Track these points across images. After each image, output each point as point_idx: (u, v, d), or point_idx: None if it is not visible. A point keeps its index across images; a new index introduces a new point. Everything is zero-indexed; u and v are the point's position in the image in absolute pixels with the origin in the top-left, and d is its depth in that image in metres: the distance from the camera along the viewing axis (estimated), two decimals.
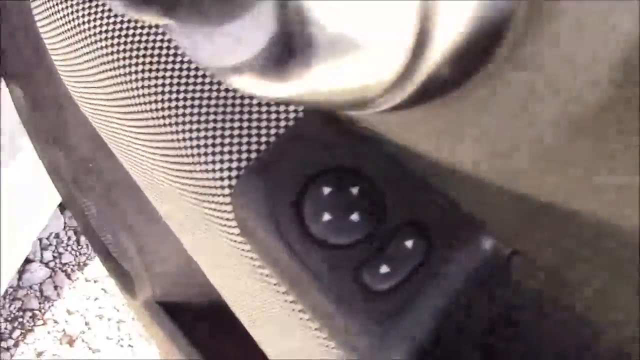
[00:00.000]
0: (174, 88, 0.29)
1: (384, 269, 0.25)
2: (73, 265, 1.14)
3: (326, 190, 0.26)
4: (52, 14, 0.35)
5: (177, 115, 0.29)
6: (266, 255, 0.27)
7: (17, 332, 1.08)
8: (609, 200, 0.12)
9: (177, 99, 0.29)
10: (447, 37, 0.10)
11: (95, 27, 0.32)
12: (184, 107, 0.29)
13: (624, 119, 0.10)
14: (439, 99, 0.12)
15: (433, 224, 0.26)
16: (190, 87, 0.29)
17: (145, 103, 0.30)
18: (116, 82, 0.31)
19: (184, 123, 0.29)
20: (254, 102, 0.28)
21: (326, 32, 0.11)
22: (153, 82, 0.29)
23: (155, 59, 0.30)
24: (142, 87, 0.30)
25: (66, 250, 1.15)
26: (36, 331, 1.09)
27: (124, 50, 0.30)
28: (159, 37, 0.30)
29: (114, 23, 0.31)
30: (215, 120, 0.28)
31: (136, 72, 0.30)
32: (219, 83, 0.29)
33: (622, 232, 0.13)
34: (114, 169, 0.51)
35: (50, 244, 1.16)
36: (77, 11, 0.34)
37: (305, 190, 0.27)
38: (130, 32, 0.31)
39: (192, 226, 0.32)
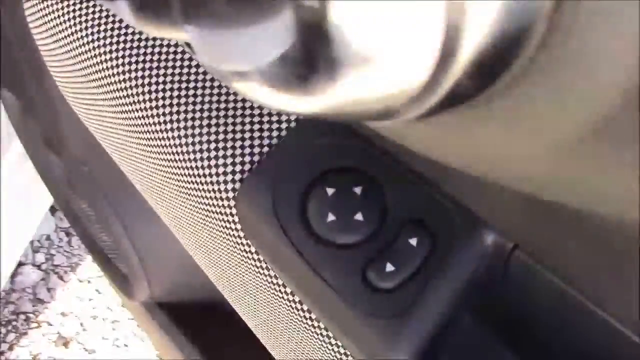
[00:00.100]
0: (175, 93, 0.29)
1: (389, 267, 0.26)
2: (65, 267, 1.14)
3: (330, 191, 0.27)
4: (48, 20, 0.35)
5: (178, 121, 0.29)
6: (272, 256, 0.28)
7: (11, 336, 1.08)
8: (619, 203, 0.13)
9: (178, 104, 0.29)
10: (473, 46, 0.11)
11: (92, 33, 0.32)
12: (186, 112, 0.29)
13: None
14: (459, 107, 0.12)
15: (435, 221, 0.26)
16: (191, 92, 0.29)
17: (145, 109, 0.30)
18: (114, 89, 0.31)
19: (185, 128, 0.29)
20: (256, 105, 0.29)
21: (351, 48, 0.11)
22: (154, 87, 0.30)
23: (155, 64, 0.30)
24: (142, 92, 0.30)
25: (58, 251, 1.15)
26: (31, 334, 1.08)
27: (123, 57, 0.30)
28: (158, 42, 0.31)
29: (112, 29, 0.31)
30: (217, 124, 0.29)
31: (136, 79, 0.30)
32: (220, 87, 0.29)
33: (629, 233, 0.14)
34: (109, 171, 0.51)
35: (42, 246, 1.15)
36: (74, 17, 0.34)
37: (309, 192, 0.27)
38: (129, 37, 0.31)
39: (194, 227, 0.32)
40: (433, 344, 0.26)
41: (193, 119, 0.29)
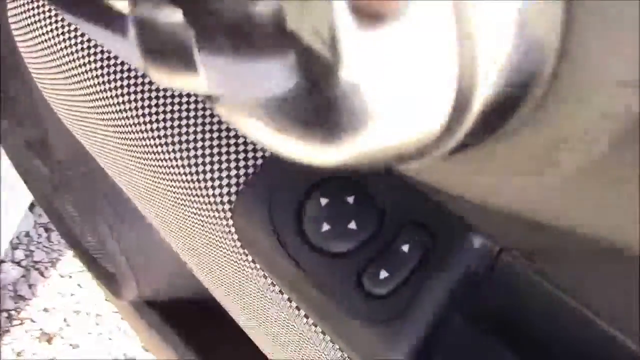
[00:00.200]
0: (168, 107, 0.30)
1: (383, 274, 0.27)
2: (46, 263, 1.14)
3: (323, 201, 0.28)
4: (34, 29, 0.35)
5: (172, 135, 0.30)
6: (269, 265, 0.29)
7: None
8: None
9: (172, 118, 0.30)
10: (484, 98, 0.12)
11: (82, 49, 0.32)
12: (180, 126, 0.30)
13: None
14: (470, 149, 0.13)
15: (426, 227, 0.28)
16: (184, 106, 0.30)
17: (139, 124, 0.31)
18: (107, 104, 0.31)
19: (180, 142, 0.30)
20: None
21: (363, 101, 0.12)
22: (147, 102, 0.30)
23: (148, 78, 0.31)
24: (136, 107, 0.30)
25: (38, 247, 1.15)
26: (13, 331, 1.08)
27: (114, 72, 0.31)
28: None
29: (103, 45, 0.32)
30: (212, 138, 0.29)
31: (129, 94, 0.31)
32: None
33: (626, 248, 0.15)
34: (95, 175, 0.51)
35: (21, 243, 1.15)
36: (57, 29, 0.34)
37: (303, 202, 0.28)
38: None
39: (190, 237, 0.33)
40: (427, 345, 0.27)
41: (187, 133, 0.30)
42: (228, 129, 0.29)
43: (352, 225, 0.28)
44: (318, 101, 0.13)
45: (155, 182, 0.32)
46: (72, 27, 0.34)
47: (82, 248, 0.70)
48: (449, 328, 0.27)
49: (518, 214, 0.17)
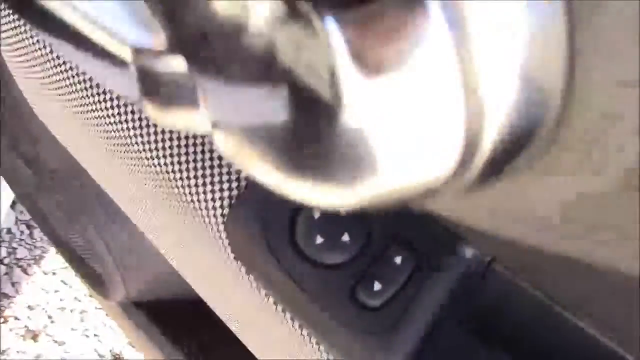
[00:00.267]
0: (159, 128, 0.30)
1: (377, 285, 0.27)
2: (29, 260, 1.13)
3: (316, 213, 0.28)
4: (25, 46, 0.35)
5: (164, 148, 0.30)
6: (263, 278, 0.29)
7: None
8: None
9: (163, 131, 0.30)
10: (492, 140, 0.12)
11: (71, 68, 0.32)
12: (171, 139, 0.30)
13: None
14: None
15: (418, 239, 0.28)
16: None
17: (130, 137, 0.30)
18: (100, 123, 0.31)
19: (172, 155, 0.30)
20: None
21: (375, 147, 0.12)
22: (137, 122, 0.30)
23: None
24: (127, 128, 0.30)
25: (20, 245, 1.14)
26: None
27: (105, 92, 0.31)
28: None
29: None
30: (203, 151, 0.29)
31: (118, 106, 0.31)
32: None
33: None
34: (82, 176, 0.51)
35: (3, 240, 1.14)
36: (46, 47, 0.34)
37: (296, 214, 0.28)
38: None
39: (184, 248, 0.33)
40: (421, 354, 0.27)
41: (179, 146, 0.30)
42: None
43: (345, 237, 0.28)
44: (319, 144, 0.13)
45: (149, 192, 0.32)
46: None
47: (68, 248, 0.70)
48: (442, 336, 0.28)
49: (530, 245, 0.17)
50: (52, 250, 1.12)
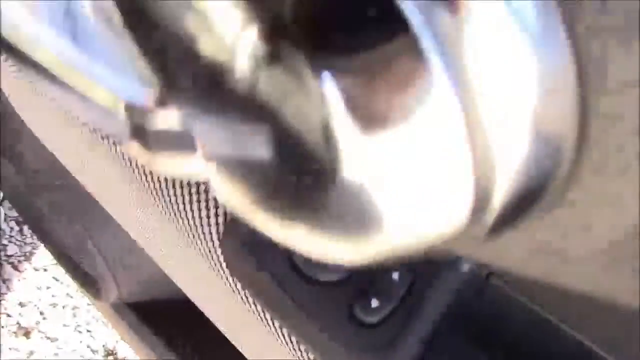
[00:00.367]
0: None
1: (375, 302, 0.27)
2: (19, 256, 1.12)
3: None
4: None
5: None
6: (259, 296, 0.29)
7: None
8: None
9: None
10: (501, 199, 0.12)
11: None
12: None
13: None
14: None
15: None
16: None
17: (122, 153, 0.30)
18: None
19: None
20: None
21: (379, 204, 0.12)
22: None
23: None
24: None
25: (10, 241, 1.13)
26: None
27: None
28: None
29: None
30: None
31: None
32: None
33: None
34: (69, 183, 0.51)
35: None
36: None
37: None
38: None
39: (180, 263, 0.33)
40: None
41: None
42: None
43: None
44: (317, 196, 0.13)
45: (145, 211, 0.32)
46: None
47: (61, 250, 0.69)
48: (441, 352, 0.28)
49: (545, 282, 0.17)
50: (43, 246, 1.11)
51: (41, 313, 1.09)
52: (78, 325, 1.09)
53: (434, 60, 0.11)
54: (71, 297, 1.10)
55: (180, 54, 0.13)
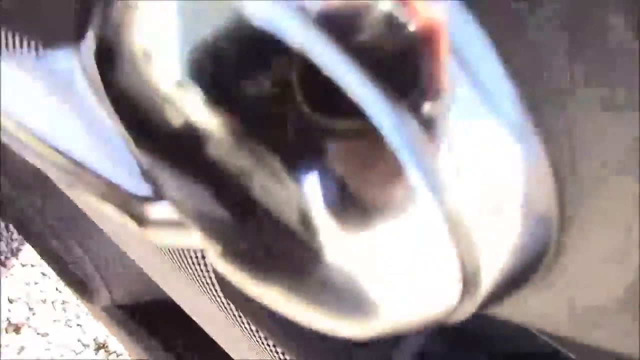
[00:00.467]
0: None
1: None
2: (6, 253, 1.12)
3: None
4: None
5: None
6: (252, 316, 0.29)
7: None
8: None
9: None
10: (493, 275, 0.13)
11: None
12: None
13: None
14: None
15: None
16: None
17: None
18: None
19: None
20: None
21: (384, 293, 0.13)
22: None
23: None
24: None
25: None
26: None
27: None
28: None
29: None
30: None
31: None
32: None
33: None
34: (55, 191, 0.51)
35: None
36: None
37: None
38: None
39: (174, 281, 0.33)
40: None
41: None
42: None
43: None
44: (303, 274, 0.13)
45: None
46: None
47: (51, 254, 0.69)
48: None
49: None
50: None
51: (30, 309, 1.09)
52: (68, 320, 1.09)
53: (409, 166, 0.11)
54: (60, 291, 1.10)
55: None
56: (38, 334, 1.08)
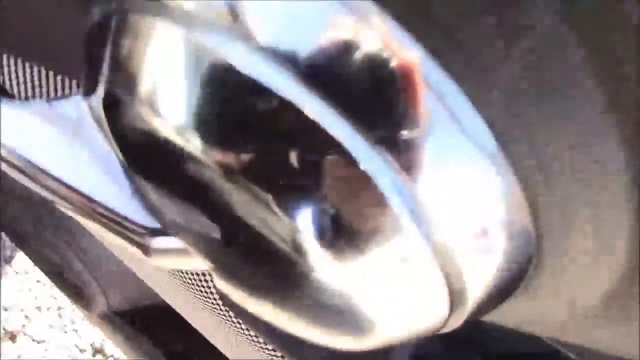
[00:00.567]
0: None
1: None
2: None
3: None
4: None
5: None
6: (252, 324, 0.30)
7: None
8: None
9: None
10: (474, 300, 0.13)
11: None
12: None
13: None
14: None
15: None
16: None
17: None
18: None
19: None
20: None
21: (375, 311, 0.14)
22: None
23: None
24: None
25: None
26: None
27: None
28: None
29: None
30: None
31: None
32: None
33: None
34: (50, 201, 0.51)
35: None
36: None
37: None
38: None
39: (172, 292, 0.34)
40: None
41: None
42: None
43: None
44: (299, 295, 0.14)
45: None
46: None
47: (47, 262, 0.70)
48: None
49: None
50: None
51: (26, 316, 1.09)
52: (64, 326, 1.10)
53: (393, 200, 0.12)
54: (55, 298, 1.11)
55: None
56: (34, 341, 1.08)
